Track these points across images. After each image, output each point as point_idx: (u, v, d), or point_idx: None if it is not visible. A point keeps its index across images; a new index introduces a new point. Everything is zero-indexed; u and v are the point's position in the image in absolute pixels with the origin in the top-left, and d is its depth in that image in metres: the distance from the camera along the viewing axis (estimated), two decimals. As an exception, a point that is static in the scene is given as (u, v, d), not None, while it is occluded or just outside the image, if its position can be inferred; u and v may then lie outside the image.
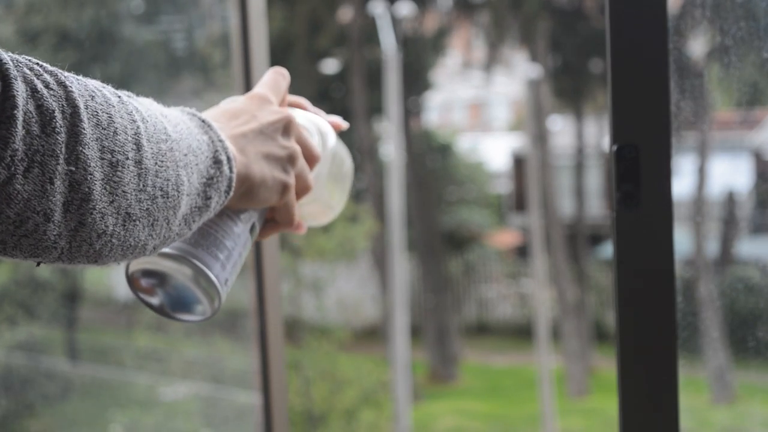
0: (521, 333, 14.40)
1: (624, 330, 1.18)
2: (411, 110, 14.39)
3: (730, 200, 8.51)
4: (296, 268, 10.21)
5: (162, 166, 0.73)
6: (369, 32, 12.89)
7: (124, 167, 0.69)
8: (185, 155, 0.76)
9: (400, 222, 10.67)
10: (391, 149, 11.35)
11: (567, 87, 14.46)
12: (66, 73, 0.69)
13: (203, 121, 0.83)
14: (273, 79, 0.98)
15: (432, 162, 15.17)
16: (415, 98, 14.75)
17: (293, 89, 1.19)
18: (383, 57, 11.42)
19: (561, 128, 15.99)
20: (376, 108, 13.18)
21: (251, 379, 1.73)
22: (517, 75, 15.58)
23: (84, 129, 0.67)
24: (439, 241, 14.50)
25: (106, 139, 0.68)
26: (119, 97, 0.72)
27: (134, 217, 0.71)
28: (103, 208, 0.69)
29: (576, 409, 12.36)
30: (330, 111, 1.15)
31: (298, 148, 0.92)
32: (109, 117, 0.69)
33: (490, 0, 13.94)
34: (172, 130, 0.76)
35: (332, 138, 1.04)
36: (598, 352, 13.40)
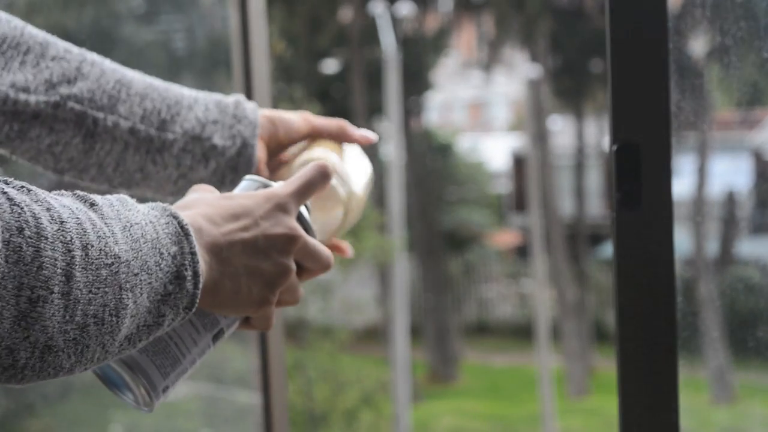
0: (521, 333, 14.40)
1: (624, 330, 1.18)
2: (411, 110, 14.40)
3: (730, 200, 8.51)
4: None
5: (97, 294, 0.70)
6: (369, 32, 12.89)
7: (45, 302, 0.67)
8: (136, 275, 0.73)
9: (400, 222, 10.67)
10: (391, 149, 11.35)
11: (567, 87, 14.47)
12: (13, 194, 0.67)
13: (182, 227, 0.77)
14: (309, 180, 0.89)
15: (432, 162, 15.17)
16: (415, 98, 14.75)
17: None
18: (383, 57, 11.43)
19: (561, 128, 15.99)
20: (376, 108, 13.18)
21: (251, 379, 1.74)
22: (517, 75, 15.58)
23: None
24: (439, 241, 14.50)
25: (27, 275, 0.66)
26: (75, 218, 0.70)
27: (56, 349, 0.69)
28: (13, 343, 0.66)
29: (576, 409, 12.36)
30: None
31: (291, 266, 0.85)
32: (36, 251, 0.67)
33: (491, 0, 13.94)
34: (127, 248, 0.73)
35: (359, 183, 1.05)
36: (598, 352, 13.41)
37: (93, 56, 1.08)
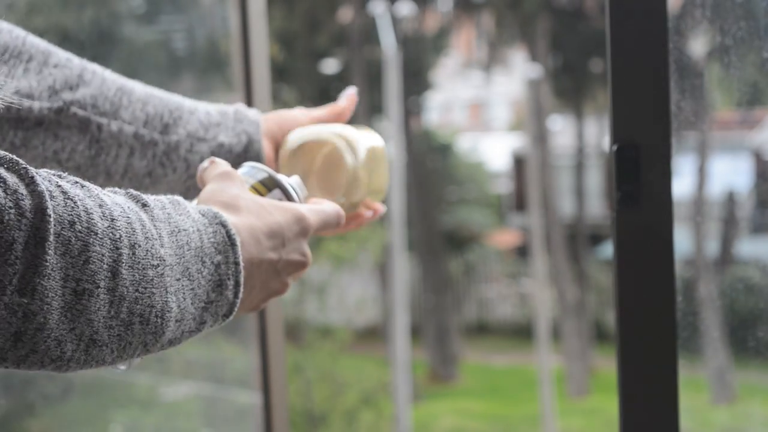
0: (521, 333, 14.40)
1: (624, 330, 1.18)
2: (411, 110, 14.40)
3: (730, 200, 8.51)
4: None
5: (144, 293, 0.72)
6: (369, 32, 12.89)
7: (91, 295, 0.68)
8: (177, 280, 0.75)
9: (400, 222, 10.67)
10: (392, 149, 11.35)
11: (567, 87, 14.47)
12: (67, 188, 0.69)
13: (230, 237, 0.80)
14: (330, 217, 0.93)
15: (432, 162, 15.17)
16: (415, 98, 14.75)
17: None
18: (383, 57, 11.42)
19: (561, 128, 15.99)
20: (376, 108, 13.18)
21: (252, 379, 1.74)
22: (517, 75, 15.58)
23: (46, 260, 0.66)
24: (439, 241, 14.50)
25: (73, 267, 0.67)
26: (125, 216, 0.72)
27: (100, 343, 0.71)
28: (61, 335, 0.68)
29: (576, 409, 12.36)
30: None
31: (289, 286, 0.90)
32: (84, 245, 0.68)
33: (491, 0, 13.94)
34: (173, 252, 0.75)
35: (362, 148, 1.07)
36: (598, 352, 13.41)
37: (94, 66, 1.10)
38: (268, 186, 0.93)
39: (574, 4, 13.94)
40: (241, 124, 1.13)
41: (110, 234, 0.70)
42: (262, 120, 1.14)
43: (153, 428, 4.97)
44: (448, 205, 15.82)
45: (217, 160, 0.91)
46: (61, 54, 1.08)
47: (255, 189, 0.92)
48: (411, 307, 11.92)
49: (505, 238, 17.03)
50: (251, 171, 0.93)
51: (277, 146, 1.14)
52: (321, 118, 1.15)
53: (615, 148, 1.15)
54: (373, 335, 13.80)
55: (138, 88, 1.10)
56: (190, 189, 1.13)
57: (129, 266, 0.71)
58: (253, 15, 1.82)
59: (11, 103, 1.02)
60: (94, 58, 1.16)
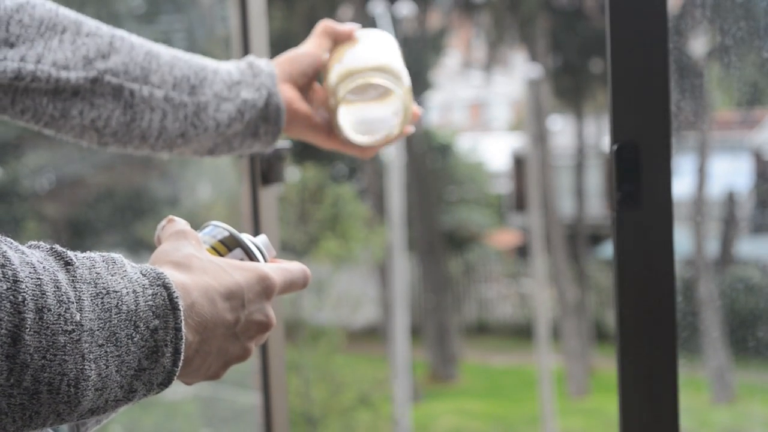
0: (521, 333, 14.40)
1: (624, 330, 1.18)
2: (411, 110, 14.38)
3: (730, 200, 8.51)
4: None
5: (53, 361, 0.67)
6: (369, 32, 12.88)
7: None
8: (100, 346, 0.69)
9: (400, 222, 10.67)
10: (391, 149, 11.35)
11: (567, 87, 14.47)
12: None
13: (171, 300, 0.74)
14: (296, 276, 0.87)
15: (432, 162, 15.17)
16: (415, 98, 14.73)
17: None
18: (383, 57, 11.41)
19: (561, 128, 15.99)
20: (376, 108, 13.17)
21: (251, 379, 1.74)
22: (517, 75, 15.58)
23: None
24: (439, 241, 14.50)
25: None
26: (35, 278, 0.67)
27: None
28: None
29: (576, 409, 12.36)
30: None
31: (252, 351, 0.83)
32: None
33: (491, 0, 13.94)
34: (94, 317, 0.70)
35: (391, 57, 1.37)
36: (598, 352, 13.41)
37: (122, 32, 1.16)
38: (228, 245, 0.87)
39: (574, 4, 13.94)
40: (259, 78, 1.20)
41: (11, 297, 0.65)
42: (276, 66, 1.22)
43: (152, 428, 4.97)
44: (448, 205, 15.82)
45: (175, 218, 0.85)
46: (90, 23, 1.14)
47: (214, 249, 0.86)
48: (411, 307, 11.92)
49: (505, 238, 17.04)
50: (212, 231, 0.88)
51: (297, 85, 1.24)
52: (334, 36, 1.30)
53: (615, 148, 1.15)
54: (373, 335, 13.80)
55: (164, 51, 1.17)
56: (218, 146, 1.21)
57: (34, 332, 0.66)
58: (253, 15, 1.82)
59: (50, 74, 1.08)
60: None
